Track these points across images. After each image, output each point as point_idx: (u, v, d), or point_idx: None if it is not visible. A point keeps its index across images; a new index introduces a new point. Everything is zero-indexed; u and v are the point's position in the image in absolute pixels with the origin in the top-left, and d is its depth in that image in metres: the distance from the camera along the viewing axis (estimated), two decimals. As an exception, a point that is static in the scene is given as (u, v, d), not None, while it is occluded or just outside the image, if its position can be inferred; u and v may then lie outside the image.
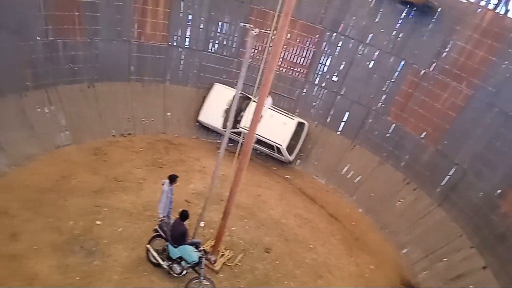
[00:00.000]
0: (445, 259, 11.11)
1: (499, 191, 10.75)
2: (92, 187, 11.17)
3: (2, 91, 11.09)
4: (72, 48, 12.39)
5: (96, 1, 12.29)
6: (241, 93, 12.54)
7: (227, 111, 14.20)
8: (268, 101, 13.15)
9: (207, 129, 15.01)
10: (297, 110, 14.91)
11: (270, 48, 7.43)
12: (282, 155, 14.00)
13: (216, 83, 14.97)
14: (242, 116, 14.14)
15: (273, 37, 7.22)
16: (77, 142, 12.66)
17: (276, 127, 13.93)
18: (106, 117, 13.41)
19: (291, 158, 14.18)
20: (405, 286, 11.01)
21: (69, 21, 12.05)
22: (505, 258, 9.88)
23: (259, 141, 13.79)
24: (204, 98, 14.93)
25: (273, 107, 14.42)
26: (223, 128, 13.89)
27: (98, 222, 10.08)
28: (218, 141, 14.70)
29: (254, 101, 11.59)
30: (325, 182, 14.49)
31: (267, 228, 11.57)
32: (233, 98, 9.66)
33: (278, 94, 14.73)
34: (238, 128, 13.76)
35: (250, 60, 12.04)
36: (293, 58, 14.71)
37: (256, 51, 14.21)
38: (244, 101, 14.31)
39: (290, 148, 14.08)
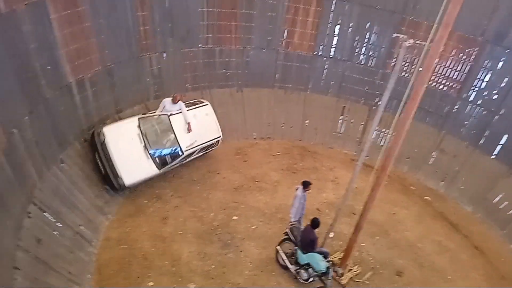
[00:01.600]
0: None
1: None
2: (233, 184, 12.01)
3: (169, 90, 12.66)
4: (227, 55, 13.54)
5: (252, 12, 13.18)
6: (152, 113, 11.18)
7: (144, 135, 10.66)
8: (179, 105, 11.34)
9: (344, 139, 14.83)
10: (444, 129, 13.72)
11: (422, 60, 7.02)
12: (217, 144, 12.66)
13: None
14: (174, 138, 11.10)
15: (428, 49, 6.82)
16: (223, 141, 13.71)
17: (204, 123, 12.10)
18: (250, 121, 14.29)
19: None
20: None
21: (226, 30, 13.19)
22: None
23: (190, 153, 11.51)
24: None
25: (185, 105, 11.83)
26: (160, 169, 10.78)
27: (234, 217, 10.78)
28: (354, 152, 14.43)
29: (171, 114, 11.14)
30: (472, 210, 13.02)
31: (401, 249, 10.91)
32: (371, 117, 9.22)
33: (424, 109, 13.78)
34: (183, 153, 11.15)
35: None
36: (445, 72, 13.60)
37: (405, 63, 13.55)
38: (162, 121, 11.14)
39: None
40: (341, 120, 14.91)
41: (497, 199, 12.62)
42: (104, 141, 9.81)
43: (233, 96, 14.18)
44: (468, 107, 13.42)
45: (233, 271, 9.25)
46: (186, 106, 11.63)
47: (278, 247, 9.59)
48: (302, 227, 9.67)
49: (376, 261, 10.32)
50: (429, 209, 12.82)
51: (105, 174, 10.04)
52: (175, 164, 11.15)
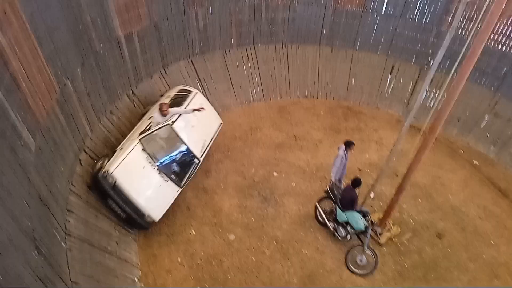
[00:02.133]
0: None
1: None
2: (274, 141, 12.11)
3: (214, 46, 12.76)
4: (273, 10, 13.21)
5: (299, -35, 12.72)
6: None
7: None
8: (172, 113, 9.50)
9: (390, 100, 14.37)
10: (499, 92, 12.91)
11: (482, 16, 6.57)
12: None
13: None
14: (186, 148, 9.54)
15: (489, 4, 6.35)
16: (266, 99, 13.73)
17: (204, 118, 10.30)
18: (294, 78, 14.11)
19: None
20: None
21: (273, -16, 12.85)
22: None
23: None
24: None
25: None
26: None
27: (275, 174, 10.96)
28: (400, 113, 14.00)
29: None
30: (523, 176, 12.47)
31: (443, 213, 10.73)
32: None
33: (479, 69, 12.97)
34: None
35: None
36: (506, 30, 12.61)
37: (462, 19, 12.68)
38: (167, 133, 9.41)
39: None
40: (389, 80, 14.39)
41: (551, 167, 11.98)
42: (115, 183, 8.26)
43: (278, 53, 13.98)
44: (529, 68, 12.51)
45: (271, 225, 9.53)
46: (177, 102, 10.19)
47: (317, 204, 9.72)
48: (343, 186, 9.71)
49: (417, 223, 10.24)
50: (477, 173, 12.37)
51: (127, 218, 8.53)
52: (194, 172, 9.70)
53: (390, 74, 14.23)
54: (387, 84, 14.39)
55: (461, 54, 6.99)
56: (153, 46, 11.13)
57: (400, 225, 10.00)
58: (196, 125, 9.94)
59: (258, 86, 13.71)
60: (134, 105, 10.70)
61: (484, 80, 13.14)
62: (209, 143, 10.26)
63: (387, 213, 9.53)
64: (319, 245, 9.30)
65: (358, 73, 14.42)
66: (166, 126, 9.23)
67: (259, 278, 8.38)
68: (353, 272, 8.83)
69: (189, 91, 10.86)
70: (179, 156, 9.40)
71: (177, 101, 10.30)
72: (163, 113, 9.30)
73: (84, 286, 6.36)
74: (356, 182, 8.84)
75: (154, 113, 9.45)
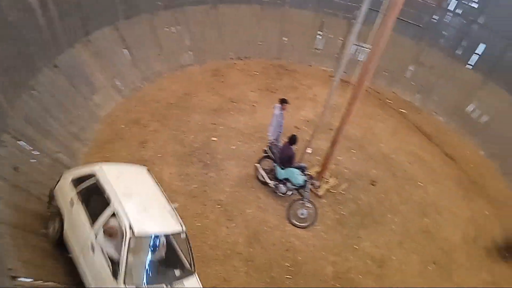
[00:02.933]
0: None
1: None
2: (211, 105, 11.97)
3: (138, 10, 12.06)
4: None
5: None
6: None
7: None
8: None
9: (322, 56, 14.62)
10: (423, 41, 13.56)
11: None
12: None
13: None
14: None
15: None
16: (199, 63, 13.41)
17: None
18: (226, 40, 13.85)
19: None
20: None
21: None
22: None
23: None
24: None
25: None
26: None
27: (214, 139, 10.91)
28: (332, 69, 14.32)
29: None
30: (445, 120, 13.43)
31: (375, 161, 11.36)
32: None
33: (404, 20, 13.47)
34: None
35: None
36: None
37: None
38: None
39: None
40: (319, 36, 14.58)
41: (470, 108, 12.96)
42: None
43: (208, 14, 13.57)
44: (448, 17, 13.19)
45: (214, 189, 9.57)
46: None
47: (257, 164, 9.86)
48: (281, 145, 9.89)
49: (352, 173, 10.77)
50: (405, 121, 13.15)
51: None
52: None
53: (321, 30, 14.39)
54: (318, 40, 14.57)
55: (384, 5, 7.18)
56: (72, 12, 10.28)
57: (337, 177, 10.46)
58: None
59: (190, 50, 13.32)
60: (56, 78, 10.00)
61: (407, 31, 13.70)
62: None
63: (324, 166, 9.90)
64: (262, 203, 9.52)
65: (289, 31, 14.44)
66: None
67: (206, 243, 8.47)
68: (295, 225, 9.18)
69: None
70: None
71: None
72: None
73: (21, 271, 6.09)
74: (293, 140, 9.04)
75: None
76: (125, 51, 11.84)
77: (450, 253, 9.40)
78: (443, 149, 12.40)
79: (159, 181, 9.35)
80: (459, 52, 13.12)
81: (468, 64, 13.02)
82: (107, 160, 9.41)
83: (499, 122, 12.37)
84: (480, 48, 12.67)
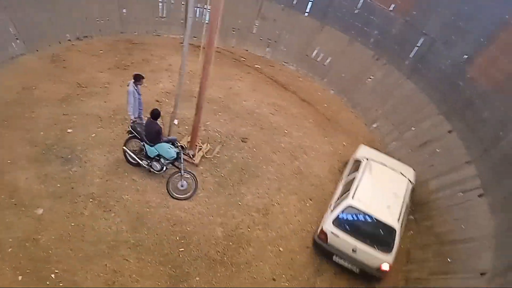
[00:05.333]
0: (413, 128, 11.61)
1: (465, 56, 10.85)
2: (57, 95, 10.78)
3: None
4: None
5: None
6: None
7: None
8: None
9: (169, 24, 14.16)
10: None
11: None
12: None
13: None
14: None
15: None
16: (32, 51, 11.86)
17: None
18: (58, 21, 12.39)
19: None
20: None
21: None
22: (471, 121, 10.33)
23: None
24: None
25: None
26: None
27: (69, 130, 9.93)
28: (182, 35, 14.00)
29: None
30: (296, 67, 14.36)
31: (242, 119, 11.67)
32: None
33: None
34: None
35: None
36: None
37: None
38: None
39: None
40: (161, 3, 14.01)
41: (314, 53, 14.03)
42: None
43: (31, -5, 11.88)
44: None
45: (82, 184, 8.81)
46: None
47: (124, 147, 9.33)
48: (144, 122, 9.47)
49: (222, 135, 10.92)
50: (261, 76, 13.68)
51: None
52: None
53: (160, -4, 13.84)
54: (160, 7, 14.02)
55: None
56: None
57: (209, 142, 10.50)
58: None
59: (16, 37, 11.63)
60: None
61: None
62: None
63: (193, 134, 9.81)
64: (139, 185, 9.11)
65: (127, 2, 13.54)
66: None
67: (86, 240, 7.85)
68: (178, 198, 9.05)
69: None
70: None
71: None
72: None
73: None
74: (155, 114, 8.70)
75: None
76: None
77: (321, 186, 10.32)
78: (299, 95, 13.29)
79: (15, 190, 8.35)
80: (295, 1, 13.93)
81: (306, 12, 13.95)
82: None
83: (340, 60, 13.67)
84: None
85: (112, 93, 11.25)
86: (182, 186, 9.10)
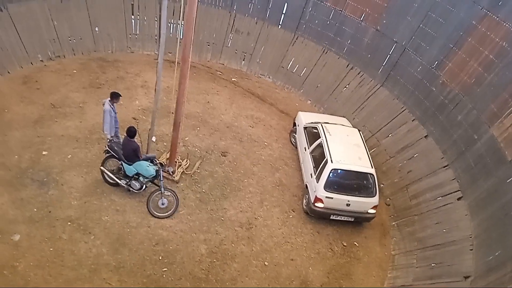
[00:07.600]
0: (390, 135, 11.80)
1: (436, 62, 11.14)
2: (30, 117, 10.51)
3: None
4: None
5: None
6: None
7: None
8: None
9: (142, 40, 14.09)
10: (234, 9, 14.12)
11: None
12: None
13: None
14: None
15: None
16: (3, 73, 11.55)
17: None
18: (28, 42, 12.13)
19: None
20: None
21: None
22: (444, 125, 10.57)
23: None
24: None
25: None
26: None
27: (44, 153, 9.68)
28: (156, 52, 13.94)
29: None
30: (272, 79, 14.45)
31: (221, 133, 11.63)
32: None
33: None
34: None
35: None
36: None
37: None
38: None
39: None
40: (133, 20, 13.91)
41: (290, 64, 14.17)
42: None
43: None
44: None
45: (60, 207, 8.57)
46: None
47: (102, 167, 9.15)
48: (121, 140, 9.32)
49: (202, 150, 10.85)
50: (238, 89, 13.70)
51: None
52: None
53: (132, 13, 13.74)
54: (133, 24, 13.92)
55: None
56: None
57: (188, 157, 10.40)
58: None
59: (-16, 61, 11.34)
60: None
61: (218, 1, 14.08)
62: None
63: (172, 150, 9.70)
64: (118, 205, 8.93)
65: (99, 19, 13.37)
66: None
67: (65, 265, 7.62)
68: (159, 217, 8.90)
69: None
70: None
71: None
72: None
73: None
74: (131, 132, 8.59)
75: None
76: None
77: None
78: (277, 106, 13.36)
79: (-12, 217, 8.05)
80: (268, 14, 14.06)
81: (279, 24, 14.10)
82: None
83: (315, 71, 13.80)
84: (284, 8, 13.81)
85: (87, 113, 11.05)
86: (162, 204, 8.96)
